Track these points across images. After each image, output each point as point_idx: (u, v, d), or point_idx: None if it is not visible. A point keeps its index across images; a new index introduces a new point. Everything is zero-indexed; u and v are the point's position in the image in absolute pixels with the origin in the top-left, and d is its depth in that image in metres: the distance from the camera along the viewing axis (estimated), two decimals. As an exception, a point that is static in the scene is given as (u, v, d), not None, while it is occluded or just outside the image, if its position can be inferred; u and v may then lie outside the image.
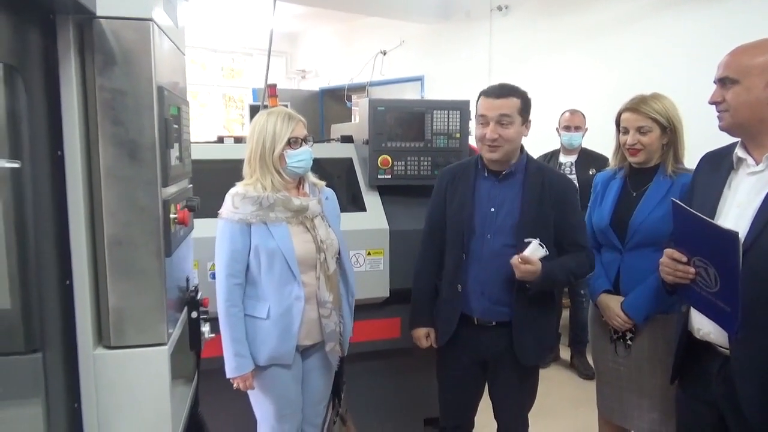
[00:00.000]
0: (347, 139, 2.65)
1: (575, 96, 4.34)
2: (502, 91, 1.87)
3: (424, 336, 2.08)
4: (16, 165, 1.09)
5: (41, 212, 1.10)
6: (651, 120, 1.91)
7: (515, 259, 1.78)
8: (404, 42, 6.37)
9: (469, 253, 1.93)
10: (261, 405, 1.89)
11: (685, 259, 1.48)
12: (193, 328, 1.49)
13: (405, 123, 2.40)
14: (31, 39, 1.05)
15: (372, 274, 2.29)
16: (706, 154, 1.68)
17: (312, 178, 1.94)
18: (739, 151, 1.51)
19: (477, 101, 1.93)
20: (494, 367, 2.01)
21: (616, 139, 2.05)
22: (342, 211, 2.06)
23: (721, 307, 1.38)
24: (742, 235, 1.32)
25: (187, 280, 1.53)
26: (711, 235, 1.39)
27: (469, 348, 1.98)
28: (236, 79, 8.36)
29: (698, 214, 1.42)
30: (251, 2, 6.04)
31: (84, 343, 1.17)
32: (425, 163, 2.42)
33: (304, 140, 1.84)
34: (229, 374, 1.78)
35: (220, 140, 2.48)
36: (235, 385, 1.81)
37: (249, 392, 1.85)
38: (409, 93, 6.35)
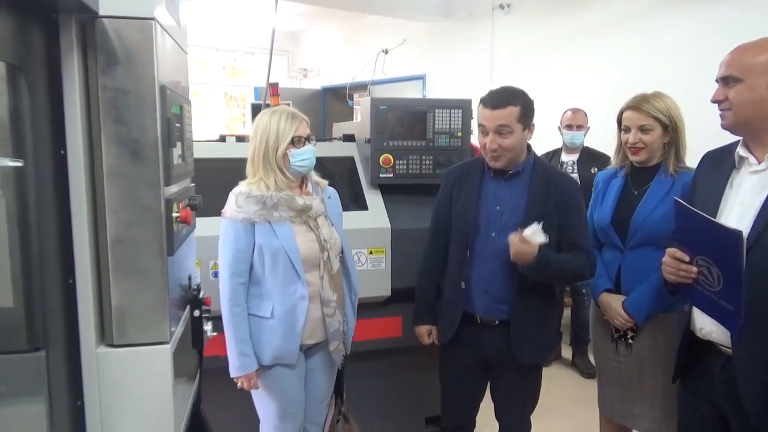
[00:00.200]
0: (349, 137, 2.65)
1: (577, 95, 4.34)
2: (500, 101, 1.83)
3: (426, 333, 2.09)
4: (19, 164, 1.09)
5: (44, 211, 1.11)
6: (653, 119, 1.90)
7: (513, 236, 1.77)
8: (406, 41, 6.36)
9: (473, 251, 1.93)
10: (264, 404, 1.89)
11: (687, 258, 1.48)
12: (195, 327, 1.49)
13: (407, 122, 2.40)
14: (34, 38, 1.05)
15: (374, 273, 2.30)
16: (708, 152, 1.67)
17: (315, 177, 1.95)
18: (740, 150, 1.51)
19: (478, 106, 1.92)
20: (496, 367, 2.01)
21: (617, 137, 2.05)
22: (344, 210, 2.07)
23: (724, 306, 1.38)
24: (744, 234, 1.32)
25: (190, 278, 1.54)
26: (714, 235, 1.38)
27: (472, 347, 1.98)
28: (238, 77, 8.36)
29: (701, 213, 1.42)
30: (253, 1, 6.04)
31: (87, 341, 1.17)
32: (427, 162, 2.42)
33: (308, 139, 1.84)
34: (233, 373, 1.79)
35: (222, 139, 2.48)
36: (239, 385, 1.81)
37: (252, 391, 1.85)
38: (410, 92, 6.34)
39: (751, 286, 1.32)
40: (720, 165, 1.58)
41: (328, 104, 7.03)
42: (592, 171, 3.31)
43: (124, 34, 1.14)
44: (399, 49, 6.45)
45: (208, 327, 1.54)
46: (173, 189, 1.31)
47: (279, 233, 1.78)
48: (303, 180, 1.91)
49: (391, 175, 2.40)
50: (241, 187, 1.81)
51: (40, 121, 1.08)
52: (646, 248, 1.92)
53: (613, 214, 2.01)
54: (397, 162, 2.39)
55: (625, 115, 1.97)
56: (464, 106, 2.43)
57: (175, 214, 1.27)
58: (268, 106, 2.50)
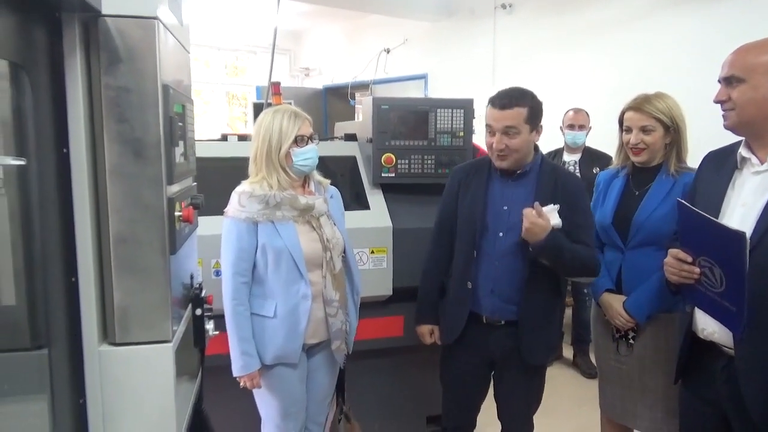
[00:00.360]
0: (351, 137, 2.65)
1: (579, 94, 4.33)
2: (508, 101, 1.83)
3: (428, 333, 2.08)
4: (22, 162, 1.10)
5: (47, 209, 1.11)
6: (654, 119, 1.90)
7: (529, 210, 1.75)
8: (408, 40, 6.36)
9: (480, 251, 1.92)
10: (266, 403, 1.89)
11: (690, 259, 1.48)
12: (197, 326, 1.50)
13: (409, 121, 2.40)
14: (37, 37, 1.05)
15: (375, 272, 2.30)
16: (709, 153, 1.67)
17: (317, 176, 1.94)
18: (743, 151, 1.51)
19: (487, 106, 1.91)
20: (501, 367, 2.00)
21: (619, 137, 2.05)
22: (345, 210, 2.06)
23: (727, 307, 1.38)
24: (747, 235, 1.32)
25: (192, 277, 1.54)
26: (717, 235, 1.38)
27: (476, 347, 1.97)
28: (240, 76, 8.36)
29: (704, 214, 1.42)
30: (255, 0, 6.04)
31: (89, 339, 1.17)
32: (429, 162, 2.42)
33: (311, 138, 1.84)
34: (236, 373, 1.78)
35: (224, 138, 2.48)
36: (242, 384, 1.81)
37: (254, 390, 1.85)
38: (412, 91, 6.34)
39: (754, 287, 1.32)
40: (722, 165, 1.57)
41: (330, 103, 7.03)
42: (594, 171, 3.31)
43: (127, 33, 1.14)
44: (401, 49, 6.45)
45: (209, 326, 1.54)
46: (175, 188, 1.32)
47: (282, 233, 1.78)
48: (306, 179, 1.91)
49: (393, 175, 2.40)
50: (244, 187, 1.81)
51: (42, 119, 1.08)
52: (647, 248, 1.91)
53: (614, 214, 2.01)
54: (398, 161, 2.39)
55: (627, 115, 1.97)
56: (466, 105, 2.43)
57: (177, 213, 1.27)
58: (270, 105, 2.50)
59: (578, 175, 3.37)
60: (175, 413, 1.26)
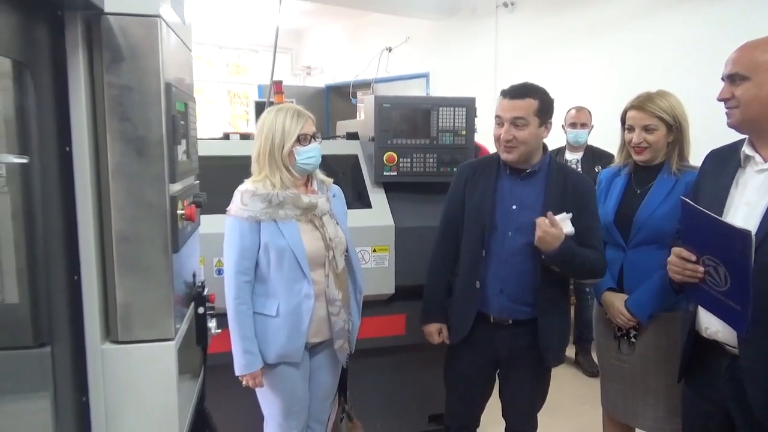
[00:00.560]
0: (353, 136, 2.65)
1: (581, 93, 4.32)
2: (519, 92, 1.84)
3: (436, 332, 2.06)
4: (24, 160, 1.10)
5: (49, 208, 1.11)
6: (657, 118, 1.90)
7: (542, 219, 1.75)
8: (409, 38, 6.35)
9: (488, 250, 1.90)
10: (268, 402, 1.89)
11: (693, 257, 1.48)
12: (199, 324, 1.50)
13: (411, 120, 2.40)
14: (40, 35, 1.05)
15: (377, 270, 2.30)
16: (712, 151, 1.67)
17: (320, 175, 1.94)
18: (746, 149, 1.50)
19: (498, 98, 1.91)
20: (507, 366, 2.00)
21: (621, 136, 2.04)
22: (347, 208, 2.06)
23: (731, 306, 1.37)
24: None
25: (194, 275, 1.54)
26: (722, 234, 1.38)
27: (483, 347, 1.96)
28: (241, 75, 8.37)
29: (709, 212, 1.41)
30: (257, -1, 6.05)
31: (92, 337, 1.18)
32: (431, 160, 2.42)
33: (313, 137, 1.84)
34: (238, 372, 1.78)
35: (226, 137, 2.48)
36: (244, 383, 1.81)
37: (257, 389, 1.86)
38: (414, 90, 6.34)
39: (758, 286, 1.31)
40: (725, 164, 1.57)
41: (332, 102, 7.02)
42: (596, 169, 3.30)
43: (130, 31, 1.14)
44: (403, 47, 6.44)
45: (212, 324, 1.54)
46: (178, 186, 1.32)
47: (285, 231, 1.78)
48: (308, 178, 1.90)
49: (395, 173, 2.40)
50: (247, 185, 1.81)
51: (45, 117, 1.08)
52: (649, 247, 1.91)
53: (615, 212, 2.00)
54: (400, 160, 2.39)
55: (629, 114, 1.97)
56: (468, 104, 2.43)
57: (179, 212, 1.27)
58: (272, 103, 2.51)
59: (580, 174, 3.36)
60: (177, 411, 1.26)
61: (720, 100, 1.50)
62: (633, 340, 1.97)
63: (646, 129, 1.91)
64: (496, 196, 1.91)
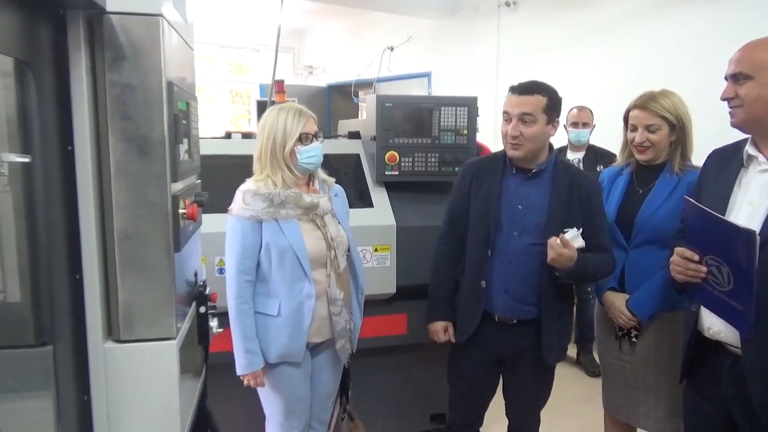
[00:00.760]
0: (354, 135, 2.65)
1: (583, 92, 4.31)
2: (528, 88, 1.84)
3: (442, 330, 2.05)
4: (26, 159, 1.10)
5: (52, 206, 1.11)
6: (660, 118, 1.89)
7: (554, 240, 1.75)
8: (411, 38, 6.34)
9: (493, 250, 1.90)
10: (270, 401, 1.89)
11: (696, 257, 1.47)
12: (201, 323, 1.50)
13: (412, 119, 2.39)
14: (42, 34, 1.05)
15: (379, 270, 2.30)
16: (714, 150, 1.66)
17: (322, 174, 1.94)
18: (749, 149, 1.50)
19: (507, 95, 1.91)
20: (511, 365, 2.00)
21: (623, 135, 2.04)
22: (349, 207, 2.06)
23: (734, 306, 1.37)
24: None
25: (196, 275, 1.54)
26: (726, 234, 1.37)
27: (487, 346, 1.97)
28: (243, 74, 8.37)
29: (713, 212, 1.41)
30: (258, -2, 6.04)
31: (94, 336, 1.18)
32: (432, 160, 2.41)
33: (315, 136, 1.84)
34: (239, 371, 1.78)
35: (228, 136, 2.49)
36: (245, 383, 1.81)
37: (258, 388, 1.86)
38: (416, 89, 6.33)
39: (762, 286, 1.31)
40: (728, 163, 1.56)
41: (334, 101, 7.02)
42: (598, 169, 3.30)
43: (131, 30, 1.14)
44: (404, 46, 6.43)
45: (213, 323, 1.54)
46: (180, 185, 1.32)
47: (286, 231, 1.78)
48: (310, 177, 1.90)
49: (397, 173, 2.40)
50: (249, 185, 1.81)
51: (47, 116, 1.08)
52: (651, 247, 1.91)
53: (617, 212, 2.00)
54: (402, 159, 2.38)
55: (632, 113, 1.96)
56: (470, 103, 2.43)
57: (181, 211, 1.27)
58: (273, 103, 2.51)
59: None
60: (179, 410, 1.26)
61: (723, 99, 1.50)
62: (634, 340, 1.97)
63: (649, 128, 1.91)
64: (502, 195, 1.91)
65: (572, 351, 3.78)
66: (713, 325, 1.52)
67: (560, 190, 1.88)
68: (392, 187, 2.43)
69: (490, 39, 5.42)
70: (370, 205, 2.37)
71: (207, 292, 1.52)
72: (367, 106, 2.77)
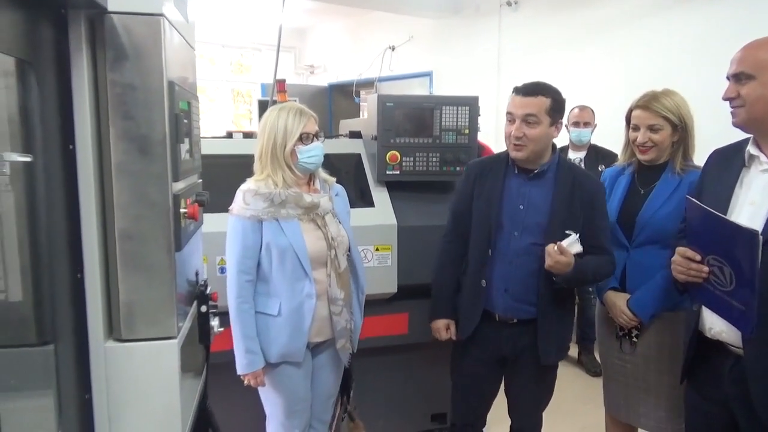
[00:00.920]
0: (356, 134, 2.65)
1: (584, 92, 4.31)
2: (532, 89, 1.85)
3: (444, 327, 2.06)
4: (28, 159, 1.10)
5: (53, 206, 1.11)
6: (662, 118, 1.89)
7: (551, 247, 1.76)
8: (413, 37, 6.34)
9: (494, 249, 1.91)
10: (271, 401, 1.89)
11: (698, 257, 1.47)
12: (202, 322, 1.50)
13: (414, 119, 2.39)
14: (44, 34, 1.06)
15: (380, 269, 2.30)
16: (716, 150, 1.66)
17: (323, 174, 1.94)
18: (751, 148, 1.49)
19: (510, 95, 1.92)
20: (513, 365, 2.00)
21: (625, 135, 2.03)
22: (350, 207, 2.06)
23: (736, 306, 1.37)
24: None
25: (197, 274, 1.54)
26: (728, 234, 1.37)
27: (489, 345, 1.97)
28: (245, 74, 8.37)
29: (715, 212, 1.40)
30: (260, -3, 6.04)
31: (95, 335, 1.18)
32: (434, 159, 2.41)
33: (316, 136, 1.84)
34: (240, 371, 1.79)
35: (229, 135, 2.49)
36: (246, 382, 1.81)
37: (259, 388, 1.86)
38: (417, 88, 6.33)
39: (764, 285, 1.31)
40: (729, 163, 1.56)
41: (335, 101, 7.03)
42: (599, 169, 3.30)
43: (133, 30, 1.14)
44: (406, 46, 6.43)
45: (215, 322, 1.54)
46: (181, 185, 1.32)
47: (287, 231, 1.78)
48: (311, 177, 1.90)
49: (398, 172, 2.40)
50: (249, 184, 1.81)
51: (49, 116, 1.08)
52: (652, 246, 1.91)
53: (619, 211, 2.00)
54: (403, 159, 2.39)
55: (635, 113, 1.96)
56: (471, 102, 2.43)
57: (182, 210, 1.27)
58: (275, 102, 2.51)
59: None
60: (180, 409, 1.26)
61: (725, 99, 1.49)
62: (635, 339, 1.97)
63: (652, 128, 1.91)
64: (504, 195, 1.91)
65: (573, 351, 3.78)
66: (714, 325, 1.51)
67: (562, 190, 1.88)
68: (393, 187, 2.43)
69: (492, 38, 5.42)
70: (371, 204, 2.37)
71: (208, 291, 1.52)
72: (368, 105, 2.77)
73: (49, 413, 1.15)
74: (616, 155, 2.40)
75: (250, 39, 7.75)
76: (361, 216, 2.24)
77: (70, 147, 1.12)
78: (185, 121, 1.30)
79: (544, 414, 2.11)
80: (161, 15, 1.16)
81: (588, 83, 4.57)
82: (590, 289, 3.51)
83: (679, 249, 1.52)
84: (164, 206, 1.21)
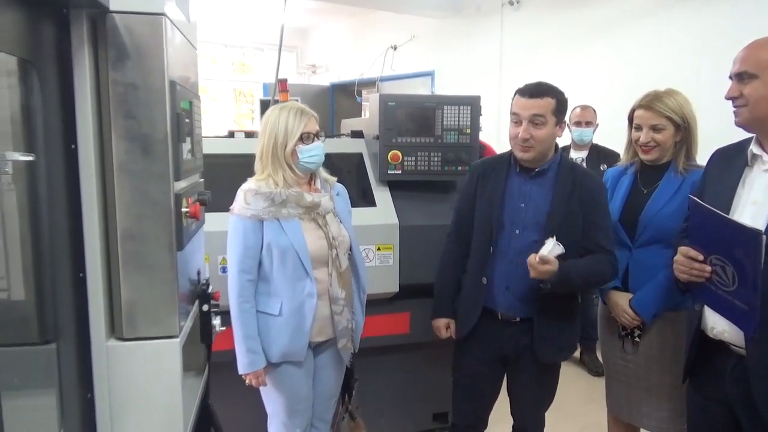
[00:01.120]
0: (357, 134, 2.65)
1: (586, 91, 4.30)
2: (537, 90, 1.85)
3: (444, 326, 2.07)
4: (30, 158, 1.10)
5: (55, 205, 1.11)
6: (665, 118, 1.89)
7: (532, 258, 1.76)
8: (415, 37, 6.34)
9: (496, 248, 1.91)
10: (272, 400, 1.89)
11: (701, 257, 1.47)
12: (204, 321, 1.50)
13: (415, 118, 2.39)
14: (46, 33, 1.06)
15: (381, 269, 2.30)
16: (718, 149, 1.65)
17: (324, 173, 1.94)
18: (753, 148, 1.49)
19: (514, 96, 1.92)
20: (515, 364, 2.00)
21: (627, 134, 2.03)
22: (352, 206, 2.06)
23: (739, 306, 1.36)
24: None
25: (198, 273, 1.55)
26: (731, 234, 1.36)
27: (490, 343, 1.97)
28: (247, 73, 8.38)
29: (718, 211, 1.40)
30: (262, -3, 6.05)
31: (97, 334, 1.18)
32: (435, 159, 2.41)
33: (317, 135, 1.84)
34: (241, 371, 1.79)
35: (231, 135, 2.49)
36: (247, 382, 1.81)
37: (260, 387, 1.86)
38: (419, 88, 6.32)
39: (766, 285, 1.30)
40: (731, 163, 1.56)
41: (337, 100, 7.03)
42: (601, 168, 3.29)
43: (135, 30, 1.14)
44: (408, 45, 6.43)
45: (216, 322, 1.55)
46: (183, 184, 1.32)
47: (288, 230, 1.78)
48: (312, 177, 1.90)
49: (400, 172, 2.40)
50: (250, 184, 1.81)
51: (51, 115, 1.09)
52: (655, 246, 1.90)
53: (621, 211, 2.00)
54: (405, 158, 2.38)
55: (637, 113, 1.95)
56: (473, 102, 2.42)
57: (184, 209, 1.27)
58: (276, 102, 2.51)
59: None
60: (181, 408, 1.26)
61: (728, 98, 1.49)
62: (637, 339, 1.97)
63: (654, 128, 1.90)
64: (505, 194, 1.92)
65: (575, 350, 3.77)
66: (717, 324, 1.51)
67: (562, 189, 1.88)
68: (395, 186, 2.43)
69: (494, 38, 5.42)
70: (372, 204, 2.37)
71: (210, 290, 1.52)
72: (370, 105, 2.77)
73: (51, 412, 1.15)
74: (617, 154, 2.40)
75: (252, 39, 7.76)
76: (362, 215, 2.24)
77: (72, 146, 1.12)
78: (187, 120, 1.31)
79: (546, 414, 2.11)
80: (163, 14, 1.16)
81: (590, 82, 4.57)
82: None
83: (682, 248, 1.52)
84: (166, 205, 1.21)
